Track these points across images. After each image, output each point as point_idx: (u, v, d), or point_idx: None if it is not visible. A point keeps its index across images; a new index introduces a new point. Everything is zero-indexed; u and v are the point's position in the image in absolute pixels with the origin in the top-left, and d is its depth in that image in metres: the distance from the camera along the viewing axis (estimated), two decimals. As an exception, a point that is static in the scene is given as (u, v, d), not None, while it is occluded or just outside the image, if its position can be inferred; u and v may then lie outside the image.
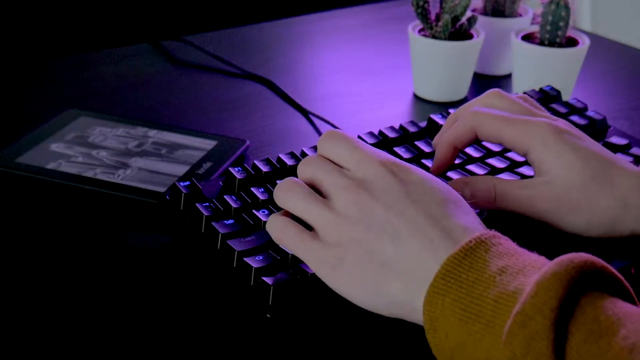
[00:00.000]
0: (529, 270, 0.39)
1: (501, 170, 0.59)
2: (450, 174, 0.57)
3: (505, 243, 0.42)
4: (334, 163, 0.47)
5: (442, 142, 0.54)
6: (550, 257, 0.40)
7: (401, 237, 0.43)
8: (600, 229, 0.50)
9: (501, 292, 0.38)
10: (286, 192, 0.47)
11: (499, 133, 0.52)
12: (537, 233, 0.51)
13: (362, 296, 0.44)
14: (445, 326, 0.39)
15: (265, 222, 0.51)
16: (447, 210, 0.44)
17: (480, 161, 0.60)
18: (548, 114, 0.54)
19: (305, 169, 0.48)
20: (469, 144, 0.54)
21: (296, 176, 0.48)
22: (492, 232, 0.42)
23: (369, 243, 0.43)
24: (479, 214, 0.53)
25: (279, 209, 0.53)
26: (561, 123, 0.52)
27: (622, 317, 0.36)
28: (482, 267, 0.40)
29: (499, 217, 0.53)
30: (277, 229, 0.47)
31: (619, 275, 0.39)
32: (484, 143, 0.62)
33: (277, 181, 0.55)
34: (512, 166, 0.59)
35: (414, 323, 0.43)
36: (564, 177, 0.50)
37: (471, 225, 0.43)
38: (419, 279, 0.42)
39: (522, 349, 0.36)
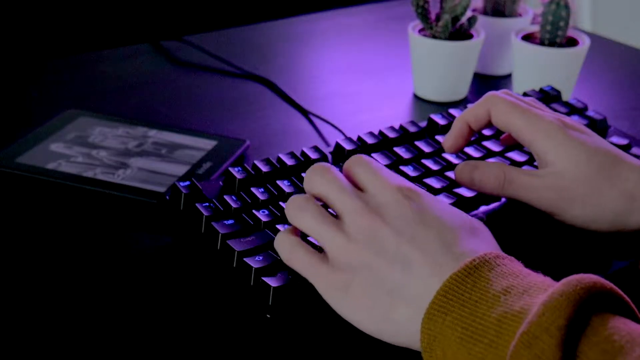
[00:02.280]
0: (535, 291, 0.38)
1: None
2: (449, 173, 0.57)
3: (510, 264, 0.41)
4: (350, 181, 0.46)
5: (458, 118, 0.55)
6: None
7: (412, 263, 0.42)
8: (605, 223, 0.50)
9: (505, 311, 0.37)
10: (299, 211, 0.46)
11: (509, 119, 0.52)
12: (543, 229, 0.51)
13: (368, 322, 0.43)
14: (444, 345, 0.39)
15: (273, 238, 0.50)
16: (459, 236, 0.43)
17: (480, 161, 0.60)
18: (555, 113, 0.54)
19: (315, 182, 0.46)
20: (483, 126, 0.54)
21: (293, 176, 0.47)
22: (497, 252, 0.42)
23: (379, 269, 0.42)
24: (483, 215, 0.53)
25: (279, 209, 0.53)
26: (568, 120, 0.53)
27: (636, 337, 0.35)
28: (485, 287, 0.39)
29: (505, 214, 0.53)
30: (287, 249, 0.46)
31: (626, 297, 0.38)
32: (484, 143, 0.62)
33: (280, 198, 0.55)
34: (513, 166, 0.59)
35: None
36: (570, 170, 0.50)
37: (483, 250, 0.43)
38: (426, 304, 0.41)
39: None
